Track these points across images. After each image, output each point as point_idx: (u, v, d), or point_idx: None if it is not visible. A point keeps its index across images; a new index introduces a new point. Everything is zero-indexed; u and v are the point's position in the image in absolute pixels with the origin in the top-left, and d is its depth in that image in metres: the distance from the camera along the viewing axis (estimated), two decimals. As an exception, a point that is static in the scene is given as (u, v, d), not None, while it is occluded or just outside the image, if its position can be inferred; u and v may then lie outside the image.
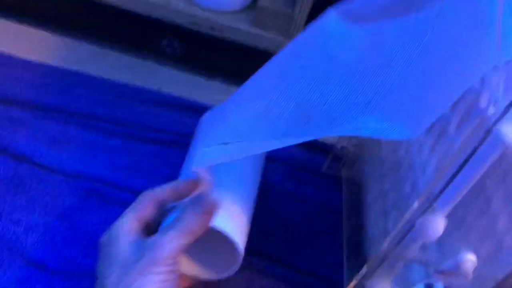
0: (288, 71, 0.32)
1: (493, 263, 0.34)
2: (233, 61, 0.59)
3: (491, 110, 0.24)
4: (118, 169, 0.47)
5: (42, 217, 0.41)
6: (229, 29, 0.56)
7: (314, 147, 0.52)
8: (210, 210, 0.33)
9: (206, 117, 0.40)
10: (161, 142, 0.50)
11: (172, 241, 0.32)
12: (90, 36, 0.59)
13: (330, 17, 0.31)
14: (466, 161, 0.26)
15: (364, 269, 0.35)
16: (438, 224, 0.29)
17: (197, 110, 0.54)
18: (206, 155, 0.32)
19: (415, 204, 0.29)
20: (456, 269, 0.32)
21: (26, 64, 0.53)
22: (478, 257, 0.33)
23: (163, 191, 0.35)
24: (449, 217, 0.30)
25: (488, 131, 0.24)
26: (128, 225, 0.33)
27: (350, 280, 0.37)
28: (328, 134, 0.30)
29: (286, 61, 0.33)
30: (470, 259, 0.32)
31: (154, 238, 0.32)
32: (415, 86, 0.28)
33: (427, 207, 0.29)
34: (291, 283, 0.41)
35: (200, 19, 0.56)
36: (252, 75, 0.62)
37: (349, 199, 0.44)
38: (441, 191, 0.28)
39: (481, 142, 0.25)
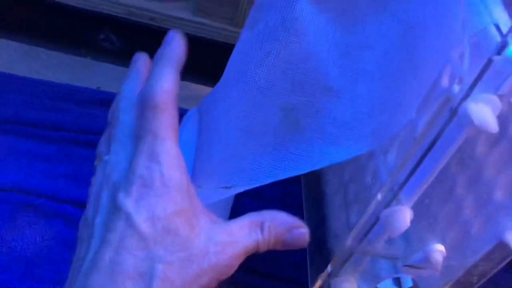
0: (261, 74, 0.28)
1: (461, 251, 0.32)
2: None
3: (456, 88, 0.22)
4: (56, 178, 0.42)
5: (-32, 240, 0.37)
6: (171, 19, 0.52)
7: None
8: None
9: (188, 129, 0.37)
10: (103, 146, 0.46)
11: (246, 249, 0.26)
12: (17, 34, 0.54)
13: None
14: (431, 146, 0.24)
15: (329, 268, 0.32)
16: (404, 216, 0.26)
17: (142, 108, 0.50)
18: (205, 196, 0.28)
19: (378, 196, 0.27)
20: (425, 261, 0.30)
21: None
22: (445, 246, 0.31)
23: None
24: (413, 206, 0.28)
25: (454, 112, 0.22)
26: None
27: (314, 278, 0.35)
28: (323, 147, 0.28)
29: (253, 63, 0.29)
30: (438, 249, 0.30)
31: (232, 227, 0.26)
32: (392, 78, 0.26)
33: (391, 199, 0.27)
34: (253, 288, 0.38)
35: (139, 10, 0.52)
36: (198, 66, 0.58)
37: (309, 192, 0.41)
38: (406, 181, 0.26)
39: (446, 124, 0.23)
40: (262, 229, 0.26)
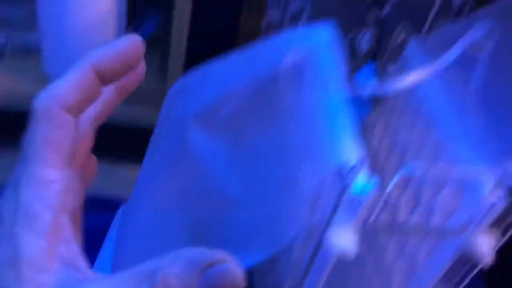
0: (164, 195, 0.30)
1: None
2: (107, 142, 0.56)
3: (316, 219, 0.23)
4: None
5: None
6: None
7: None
8: None
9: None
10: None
11: None
12: None
13: (188, 128, 0.29)
14: (305, 274, 0.24)
15: None
16: None
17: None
18: None
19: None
20: None
21: None
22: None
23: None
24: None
25: (319, 242, 0.23)
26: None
27: None
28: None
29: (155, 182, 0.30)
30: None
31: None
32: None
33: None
34: None
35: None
36: (128, 155, 0.58)
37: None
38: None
39: (314, 254, 0.23)
40: (152, 281, 0.18)
